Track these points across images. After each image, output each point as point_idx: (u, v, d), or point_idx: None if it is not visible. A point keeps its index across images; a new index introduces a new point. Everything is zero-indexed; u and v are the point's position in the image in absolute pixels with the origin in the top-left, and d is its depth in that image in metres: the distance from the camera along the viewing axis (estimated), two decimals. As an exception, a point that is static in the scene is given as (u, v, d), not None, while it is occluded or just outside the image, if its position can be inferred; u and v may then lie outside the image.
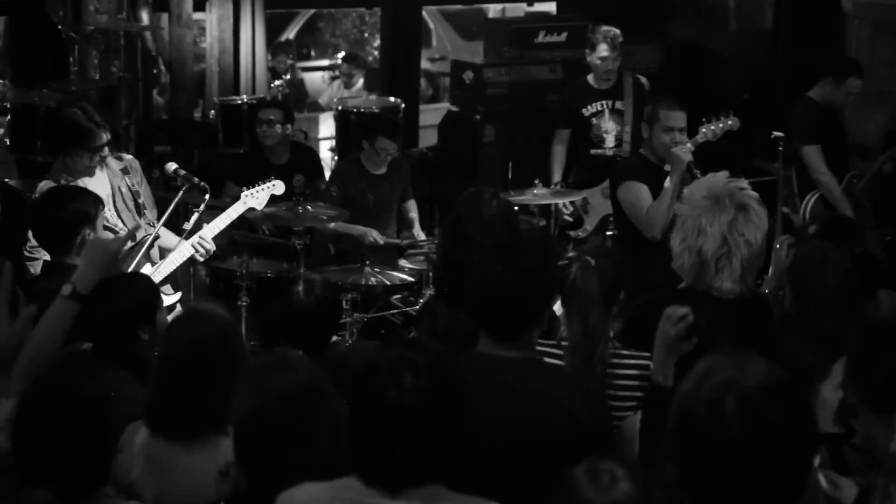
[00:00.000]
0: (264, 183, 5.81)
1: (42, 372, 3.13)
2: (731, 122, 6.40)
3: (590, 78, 7.32)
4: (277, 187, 5.85)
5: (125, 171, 5.25)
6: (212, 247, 5.38)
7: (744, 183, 3.82)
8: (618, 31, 7.24)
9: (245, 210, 5.75)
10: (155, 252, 5.34)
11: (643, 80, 7.43)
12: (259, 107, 7.57)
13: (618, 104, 7.24)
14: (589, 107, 7.24)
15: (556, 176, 7.34)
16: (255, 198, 5.77)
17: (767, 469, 1.95)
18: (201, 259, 5.46)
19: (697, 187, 3.80)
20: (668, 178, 5.41)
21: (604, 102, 7.25)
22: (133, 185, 5.25)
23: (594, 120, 7.24)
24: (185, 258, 5.32)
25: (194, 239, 5.32)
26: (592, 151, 7.23)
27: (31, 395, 2.76)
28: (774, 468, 1.95)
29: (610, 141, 7.24)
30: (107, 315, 3.61)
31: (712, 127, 5.89)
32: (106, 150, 5.07)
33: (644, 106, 6.58)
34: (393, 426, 2.33)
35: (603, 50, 7.16)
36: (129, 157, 5.41)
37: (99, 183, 5.16)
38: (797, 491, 2.00)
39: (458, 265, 3.86)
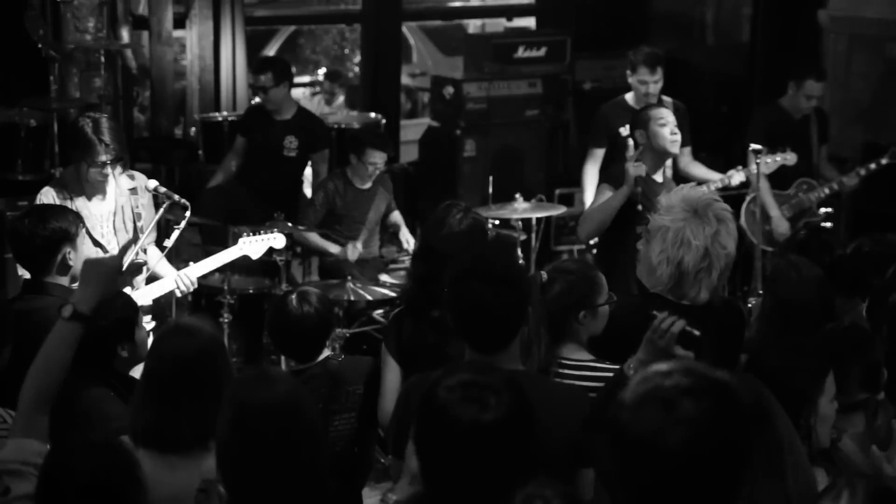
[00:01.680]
0: (265, 233, 5.74)
1: (50, 400, 3.07)
2: (788, 157, 6.43)
3: (628, 97, 6.99)
4: (278, 240, 5.79)
5: (133, 191, 5.23)
6: (194, 286, 5.33)
7: (717, 195, 3.86)
8: (660, 54, 6.91)
9: (239, 256, 5.69)
10: (140, 278, 5.30)
11: (681, 104, 7.00)
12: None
13: None
14: (627, 126, 6.59)
15: (588, 197, 6.91)
16: (252, 246, 5.70)
17: (690, 467, 1.95)
18: (179, 294, 5.41)
19: (675, 199, 3.80)
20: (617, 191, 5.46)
21: None
22: (137, 207, 5.22)
23: (631, 140, 6.65)
24: (165, 291, 5.29)
25: (178, 273, 5.29)
26: None
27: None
28: (697, 465, 1.95)
29: None
30: (86, 332, 3.61)
31: (767, 160, 5.89)
32: (108, 168, 5.03)
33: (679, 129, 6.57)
34: (484, 449, 2.32)
35: (643, 73, 6.84)
36: (142, 177, 5.33)
37: (104, 199, 5.15)
38: (730, 492, 2.00)
39: (424, 278, 3.90)
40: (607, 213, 5.43)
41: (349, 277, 6.38)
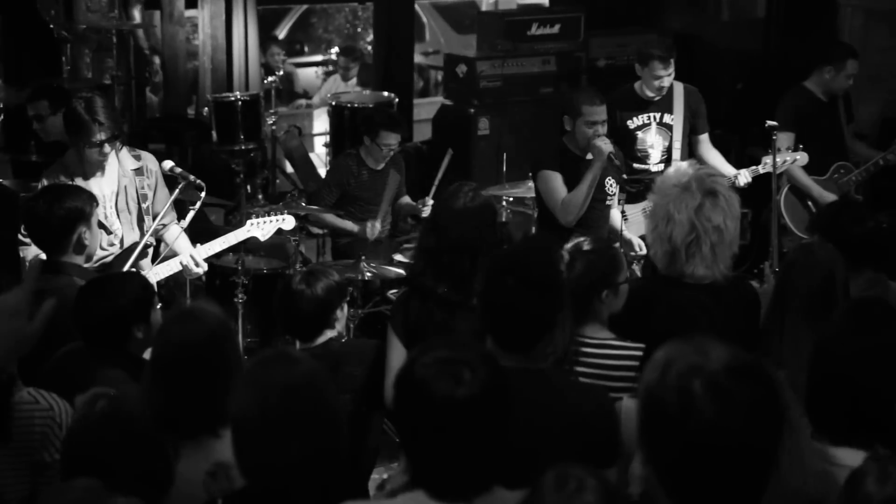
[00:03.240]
0: (274, 215, 5.73)
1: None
2: (798, 157, 6.38)
3: (637, 86, 6.54)
4: (287, 222, 5.79)
5: (138, 171, 5.21)
6: (202, 267, 5.31)
7: (712, 169, 3.86)
8: (671, 44, 6.56)
9: (246, 238, 5.68)
10: (146, 261, 5.29)
11: (693, 88, 6.71)
12: (254, 104, 7.58)
13: (666, 117, 6.52)
14: (634, 118, 6.50)
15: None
16: (260, 228, 5.68)
17: (741, 451, 1.95)
18: (187, 276, 5.39)
19: (667, 176, 3.87)
20: (589, 168, 5.56)
21: (651, 115, 6.52)
22: (143, 188, 5.19)
23: (639, 133, 6.50)
24: (171, 272, 5.28)
25: (185, 256, 5.27)
26: (636, 167, 6.45)
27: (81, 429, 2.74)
28: (747, 449, 1.95)
29: (655, 156, 6.52)
30: (101, 313, 3.61)
31: (778, 159, 5.81)
32: (107, 147, 5.00)
33: (693, 117, 6.48)
34: (460, 424, 2.33)
35: (658, 68, 6.41)
36: (150, 157, 5.29)
37: (106, 179, 5.13)
38: (768, 472, 2.00)
39: (432, 251, 3.90)
40: (587, 190, 5.56)
41: (363, 257, 6.37)
